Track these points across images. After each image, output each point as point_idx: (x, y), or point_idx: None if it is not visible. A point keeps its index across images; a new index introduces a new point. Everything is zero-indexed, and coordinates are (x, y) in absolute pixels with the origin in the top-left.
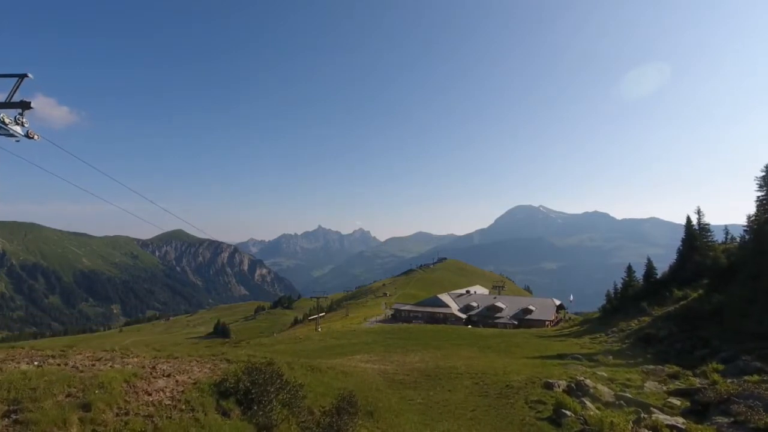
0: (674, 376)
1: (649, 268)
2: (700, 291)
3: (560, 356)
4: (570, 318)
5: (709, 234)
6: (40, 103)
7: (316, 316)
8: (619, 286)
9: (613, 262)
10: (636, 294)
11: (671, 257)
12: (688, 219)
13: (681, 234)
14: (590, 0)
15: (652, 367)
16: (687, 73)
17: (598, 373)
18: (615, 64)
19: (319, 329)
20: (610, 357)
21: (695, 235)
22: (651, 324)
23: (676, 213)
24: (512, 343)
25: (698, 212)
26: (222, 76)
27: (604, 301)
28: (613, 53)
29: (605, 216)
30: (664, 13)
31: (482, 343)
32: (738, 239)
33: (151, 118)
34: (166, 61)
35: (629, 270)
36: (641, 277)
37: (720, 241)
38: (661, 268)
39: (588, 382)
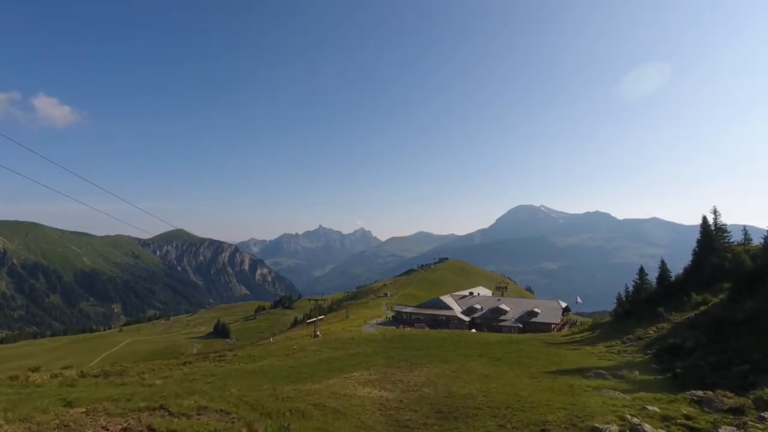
0: (739, 411)
1: (663, 270)
2: (722, 295)
3: (580, 370)
4: (577, 321)
5: (726, 235)
6: (42, 103)
7: (314, 319)
8: (630, 288)
9: (615, 262)
10: (649, 298)
11: (672, 257)
12: (704, 219)
13: (682, 234)
14: (590, 0)
15: (701, 393)
16: (687, 73)
17: (649, 407)
18: (615, 64)
19: (318, 333)
20: (636, 372)
21: (712, 236)
22: (672, 332)
23: (677, 213)
24: (524, 353)
25: (714, 212)
26: (223, 77)
27: (609, 303)
28: (613, 53)
29: (606, 216)
30: (664, 13)
31: (491, 352)
32: (762, 240)
33: (152, 117)
34: (167, 62)
35: (641, 272)
36: (644, 279)
37: (736, 242)
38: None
39: (646, 427)
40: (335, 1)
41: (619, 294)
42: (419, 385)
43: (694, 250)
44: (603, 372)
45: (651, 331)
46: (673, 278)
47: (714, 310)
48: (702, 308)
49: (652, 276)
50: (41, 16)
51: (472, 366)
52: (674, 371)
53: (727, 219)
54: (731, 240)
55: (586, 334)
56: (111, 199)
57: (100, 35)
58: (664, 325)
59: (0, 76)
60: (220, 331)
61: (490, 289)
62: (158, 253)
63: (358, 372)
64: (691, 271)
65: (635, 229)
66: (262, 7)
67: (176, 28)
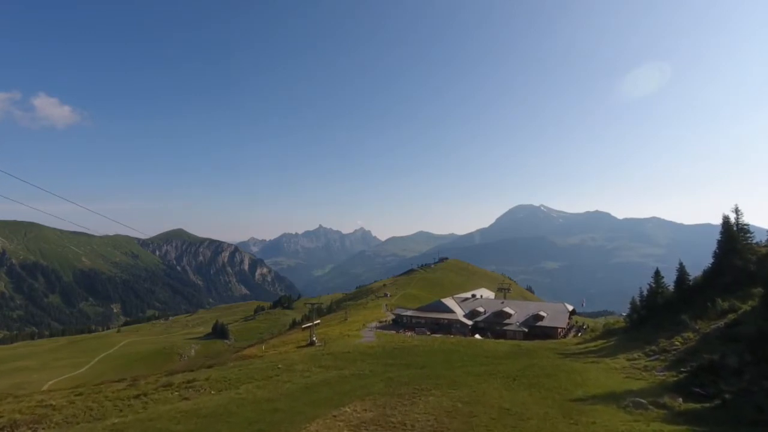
0: None
1: (681, 274)
2: (751, 302)
3: (614, 397)
4: (585, 325)
5: (749, 236)
6: (42, 103)
7: (309, 324)
8: (644, 291)
9: (615, 262)
10: (666, 303)
11: (673, 257)
12: (725, 219)
13: (683, 234)
14: (591, 0)
15: None
16: (689, 72)
17: None
18: (616, 64)
19: (314, 339)
20: (680, 399)
21: (735, 237)
22: (704, 345)
23: (678, 213)
24: (540, 370)
25: (736, 211)
26: (223, 77)
27: (611, 303)
28: (613, 53)
29: (606, 215)
30: (666, 12)
31: (504, 369)
32: None
33: (153, 117)
34: (169, 62)
35: (657, 275)
36: (660, 282)
37: (757, 243)
38: (663, 269)
39: None
40: (336, 1)
41: (633, 298)
42: (426, 427)
43: (714, 252)
44: (641, 400)
45: (677, 343)
46: (691, 281)
47: (747, 319)
48: (731, 316)
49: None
50: (42, 16)
51: (486, 392)
52: (723, 397)
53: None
54: (756, 240)
55: (600, 342)
56: (111, 199)
57: (101, 35)
58: (691, 335)
59: (0, 76)
60: (219, 332)
61: (491, 289)
62: (158, 252)
63: (350, 406)
64: (711, 274)
65: (635, 229)
66: (263, 7)
67: (177, 28)
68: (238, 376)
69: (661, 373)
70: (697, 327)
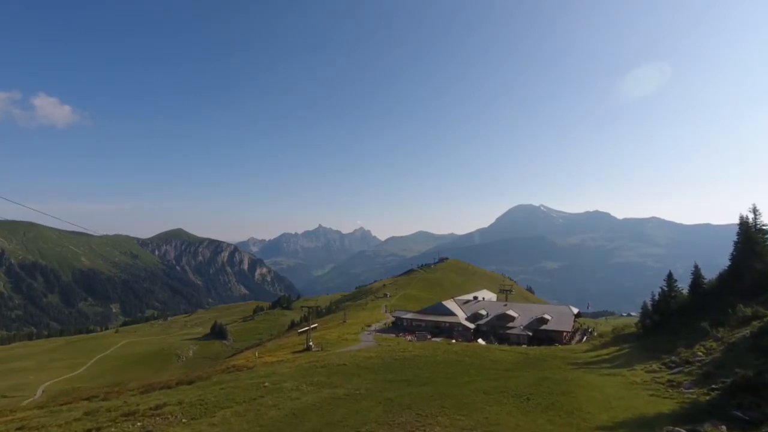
0: None
1: (697, 277)
2: None
3: (645, 422)
4: (590, 329)
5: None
6: (42, 102)
7: (306, 328)
8: (656, 295)
9: (615, 262)
10: (681, 308)
11: (673, 257)
12: (743, 219)
13: (682, 234)
14: (590, 0)
15: None
16: (689, 72)
17: None
18: (616, 64)
19: (311, 344)
20: (723, 427)
21: (755, 239)
22: (731, 355)
23: (677, 213)
24: (554, 386)
25: (754, 211)
26: (223, 77)
27: (612, 303)
28: (613, 52)
29: (606, 215)
30: (666, 12)
31: (514, 385)
32: None
33: (153, 117)
34: (169, 62)
35: (669, 278)
36: (673, 286)
37: None
38: (662, 269)
39: None
40: (336, 1)
41: (644, 302)
42: None
43: (731, 254)
44: (680, 430)
45: (699, 353)
46: (706, 285)
47: None
48: (755, 324)
49: (652, 277)
50: (42, 16)
51: (500, 419)
52: None
53: (730, 219)
54: None
55: (612, 350)
56: (111, 199)
57: (100, 35)
58: (713, 344)
59: (0, 76)
60: (217, 332)
61: (491, 290)
62: (157, 252)
63: None
64: (728, 278)
65: (635, 228)
66: (263, 7)
67: (176, 28)
68: (217, 397)
69: (690, 390)
70: (719, 335)
